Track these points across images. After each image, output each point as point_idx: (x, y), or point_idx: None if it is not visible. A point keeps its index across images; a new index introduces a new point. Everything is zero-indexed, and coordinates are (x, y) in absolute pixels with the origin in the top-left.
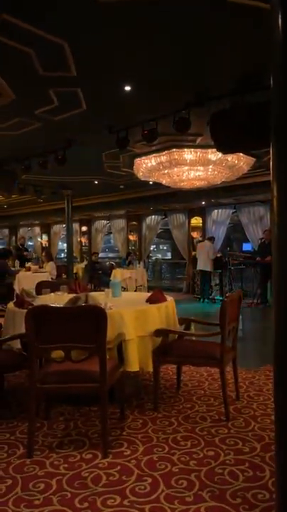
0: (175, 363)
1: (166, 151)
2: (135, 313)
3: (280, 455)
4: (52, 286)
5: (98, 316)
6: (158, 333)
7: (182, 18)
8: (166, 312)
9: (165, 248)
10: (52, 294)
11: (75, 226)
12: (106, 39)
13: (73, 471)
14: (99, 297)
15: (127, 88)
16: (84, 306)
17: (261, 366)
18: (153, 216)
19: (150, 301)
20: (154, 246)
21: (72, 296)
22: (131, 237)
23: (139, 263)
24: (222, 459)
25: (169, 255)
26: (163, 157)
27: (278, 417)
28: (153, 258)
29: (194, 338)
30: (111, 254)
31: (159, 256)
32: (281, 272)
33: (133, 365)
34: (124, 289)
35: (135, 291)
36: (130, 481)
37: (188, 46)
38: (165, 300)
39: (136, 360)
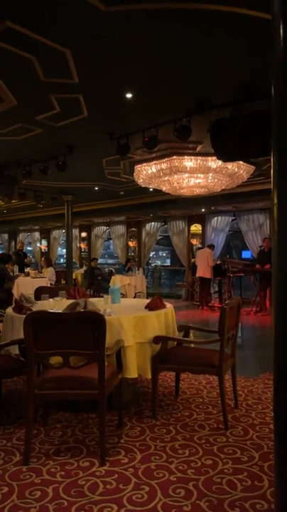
0: (173, 370)
1: (166, 158)
2: (134, 320)
3: (280, 464)
4: (51, 292)
5: (97, 322)
6: (156, 340)
7: (182, 28)
8: (165, 319)
9: (164, 255)
10: (51, 299)
11: (75, 232)
12: (108, 47)
13: (70, 478)
14: (98, 303)
15: (128, 95)
16: (83, 312)
17: (259, 374)
18: (153, 223)
19: (149, 307)
20: (153, 253)
21: (70, 302)
22: (131, 244)
23: (138, 269)
24: (220, 468)
25: (168, 262)
26: (164, 164)
27: (277, 426)
28: (153, 265)
29: (193, 346)
30: (110, 261)
31: (158, 263)
32: (281, 280)
33: (132, 372)
34: (123, 296)
35: (134, 297)
36: (127, 489)
37: (188, 55)
38: (164, 307)
39: (135, 366)
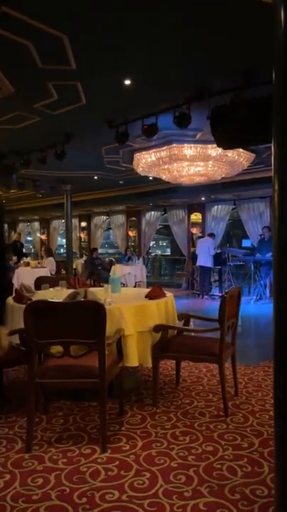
0: (174, 358)
1: (166, 146)
2: (134, 309)
3: (280, 449)
4: (51, 282)
5: (97, 312)
6: (157, 328)
7: (183, 12)
8: (165, 308)
9: (164, 244)
10: (51, 289)
11: (75, 221)
12: (106, 33)
13: (72, 465)
14: (99, 293)
15: (127, 82)
16: (83, 302)
17: (260, 362)
18: (153, 212)
19: (149, 296)
20: (153, 242)
21: (71, 291)
22: (131, 233)
23: (138, 259)
24: (221, 454)
25: (169, 251)
26: (163, 152)
27: (277, 413)
28: (153, 254)
29: (193, 334)
30: (110, 250)
31: (159, 252)
32: (282, 268)
33: (133, 360)
34: (123, 285)
35: (134, 287)
36: (128, 476)
37: (188, 41)
38: (164, 296)
39: (136, 355)
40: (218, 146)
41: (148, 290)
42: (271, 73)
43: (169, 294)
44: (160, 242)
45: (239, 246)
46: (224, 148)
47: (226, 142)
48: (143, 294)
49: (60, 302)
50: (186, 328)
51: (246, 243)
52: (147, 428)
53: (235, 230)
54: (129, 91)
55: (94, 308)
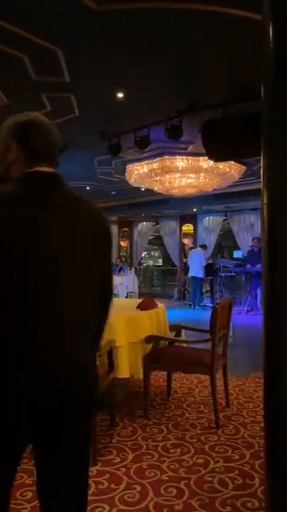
0: (165, 369)
1: (158, 158)
2: (125, 320)
3: (270, 463)
4: None
5: None
6: (148, 339)
7: (174, 28)
8: (157, 319)
9: (156, 255)
10: None
11: None
12: (100, 46)
13: None
14: None
15: (119, 95)
16: None
17: (251, 373)
18: (145, 223)
19: (141, 307)
20: (146, 252)
21: None
22: (123, 244)
23: (130, 269)
24: (212, 466)
25: (161, 262)
26: (155, 164)
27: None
28: (145, 265)
29: (184, 345)
30: None
31: (151, 262)
32: (270, 279)
33: (124, 371)
34: (115, 296)
35: (126, 297)
36: (119, 489)
37: (180, 55)
38: (156, 307)
39: (127, 366)
40: (209, 158)
41: (140, 301)
42: (260, 88)
43: (160, 305)
44: (152, 253)
45: (231, 257)
46: (215, 161)
47: (217, 155)
48: (135, 305)
49: None
50: (177, 339)
51: (237, 254)
52: (138, 440)
53: (226, 241)
54: (122, 103)
55: None
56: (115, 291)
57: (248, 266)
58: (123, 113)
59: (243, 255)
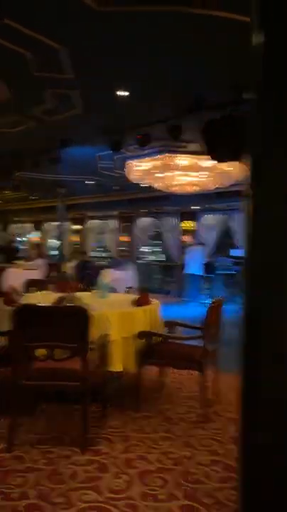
0: (157, 365)
1: (159, 156)
2: (120, 315)
3: (241, 451)
4: (40, 285)
5: (81, 317)
6: (141, 335)
7: (176, 29)
8: (151, 315)
9: (158, 250)
10: (39, 292)
11: (68, 224)
12: (102, 45)
13: (51, 466)
14: (86, 298)
15: (122, 93)
16: (68, 307)
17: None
18: (146, 218)
19: (136, 303)
20: (148, 248)
21: (58, 295)
22: (123, 238)
23: (130, 264)
24: (198, 459)
25: (163, 257)
26: (155, 161)
27: (241, 419)
28: (146, 260)
29: (178, 341)
30: (104, 254)
31: (153, 258)
32: (250, 275)
33: (117, 365)
34: (113, 291)
35: (124, 292)
36: (106, 477)
37: (180, 56)
38: (151, 303)
39: (120, 360)
40: (211, 158)
41: (135, 296)
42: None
43: (155, 301)
44: (155, 249)
45: (228, 255)
46: (217, 161)
47: (218, 156)
48: (130, 301)
49: (45, 306)
50: (170, 335)
51: (233, 253)
52: (127, 432)
53: (226, 239)
54: (124, 101)
55: (77, 313)
56: (113, 286)
57: None
58: (125, 111)
59: (240, 254)
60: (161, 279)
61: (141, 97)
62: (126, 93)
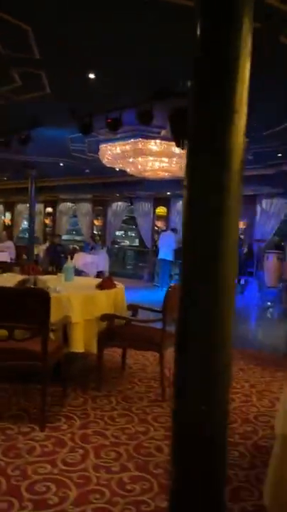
0: (118, 346)
1: (131, 140)
2: (83, 298)
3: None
4: (6, 267)
5: (41, 298)
6: (103, 317)
7: (143, 14)
8: (115, 298)
9: (133, 235)
10: (4, 274)
11: (39, 207)
12: (72, 27)
13: (9, 442)
14: (50, 280)
15: (91, 76)
16: (29, 288)
17: None
18: (119, 203)
19: (100, 287)
20: (122, 232)
21: (22, 277)
22: (96, 222)
23: (102, 248)
24: (152, 434)
25: (137, 242)
26: (128, 146)
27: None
28: (121, 244)
29: (141, 324)
30: (77, 237)
31: (127, 243)
32: (188, 255)
33: (78, 346)
34: (82, 274)
35: (96, 276)
36: (62, 452)
37: (152, 42)
38: (114, 287)
39: (81, 342)
40: (177, 146)
41: (100, 280)
42: None
43: (119, 285)
44: (129, 233)
45: None
46: (182, 149)
47: (183, 143)
48: (95, 284)
49: (6, 287)
50: (131, 318)
51: None
52: (87, 410)
53: None
54: (93, 84)
55: (38, 295)
56: (85, 270)
57: None
58: (94, 94)
59: None
60: (135, 264)
61: (110, 81)
62: (94, 76)
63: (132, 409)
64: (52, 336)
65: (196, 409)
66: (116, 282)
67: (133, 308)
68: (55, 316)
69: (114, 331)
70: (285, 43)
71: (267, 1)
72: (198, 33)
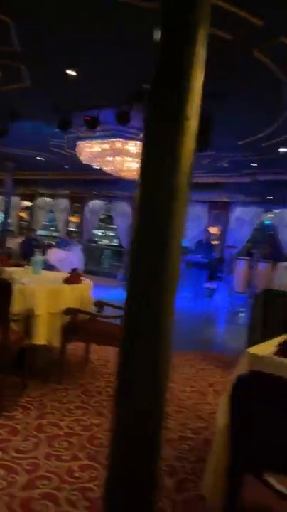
0: (81, 340)
1: (110, 139)
2: (48, 291)
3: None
4: None
5: (2, 288)
6: (67, 311)
7: (128, 17)
8: (80, 294)
9: (112, 235)
10: None
11: (16, 200)
12: (53, 22)
13: None
14: (17, 272)
15: (71, 73)
16: None
17: None
18: (97, 201)
19: (66, 281)
20: (101, 232)
21: None
22: (73, 219)
23: (77, 245)
24: (106, 426)
25: (116, 242)
26: (106, 145)
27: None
28: (95, 244)
29: (107, 320)
30: (56, 234)
31: (106, 242)
32: (134, 249)
33: (40, 338)
34: (55, 270)
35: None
36: (15, 440)
37: (132, 44)
38: (80, 282)
39: (44, 334)
40: None
41: (66, 275)
42: (209, 87)
43: (86, 281)
44: (108, 232)
45: None
46: None
47: None
48: (62, 278)
49: None
50: (94, 313)
51: (183, 243)
52: (45, 402)
53: None
54: (73, 81)
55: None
56: (58, 266)
57: (189, 256)
58: (74, 91)
59: (189, 245)
60: (111, 263)
61: (89, 79)
62: (74, 73)
63: (90, 402)
64: (14, 326)
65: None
66: (83, 278)
67: (100, 304)
68: (19, 308)
69: (78, 325)
70: (258, 57)
71: (239, 14)
72: (156, 39)
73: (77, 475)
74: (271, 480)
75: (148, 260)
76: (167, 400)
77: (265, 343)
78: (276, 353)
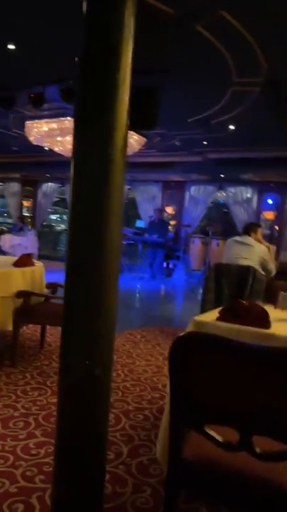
0: (33, 323)
1: (58, 118)
2: None
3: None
4: None
5: None
6: (19, 294)
7: None
8: (32, 276)
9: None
10: None
11: None
12: None
13: None
14: None
15: (11, 46)
16: None
17: (124, 330)
18: (50, 183)
19: (16, 264)
20: (58, 216)
21: None
22: (26, 203)
23: (31, 230)
24: None
25: None
26: (55, 124)
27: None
28: (56, 228)
29: (60, 302)
30: (10, 220)
31: (62, 226)
32: (73, 244)
33: None
34: (11, 255)
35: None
36: None
37: (76, 17)
38: (32, 265)
39: None
40: None
41: (16, 258)
42: (154, 63)
43: (38, 263)
44: (64, 217)
45: (134, 226)
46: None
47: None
48: (12, 262)
49: None
50: (46, 295)
51: (139, 223)
52: (0, 385)
53: (131, 210)
54: (14, 56)
55: None
56: (12, 251)
57: (146, 235)
58: (15, 66)
59: (145, 225)
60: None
61: (31, 55)
62: (14, 47)
63: (47, 383)
64: None
65: (80, 368)
66: (35, 261)
67: (53, 286)
68: None
69: (30, 308)
70: (201, 32)
71: None
72: (85, 9)
73: (33, 452)
74: (211, 432)
75: (85, 232)
76: (118, 376)
77: (211, 311)
78: (218, 319)
